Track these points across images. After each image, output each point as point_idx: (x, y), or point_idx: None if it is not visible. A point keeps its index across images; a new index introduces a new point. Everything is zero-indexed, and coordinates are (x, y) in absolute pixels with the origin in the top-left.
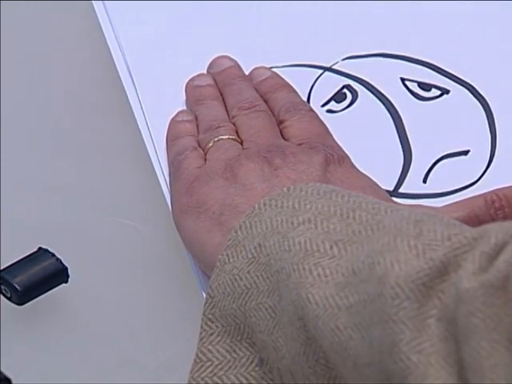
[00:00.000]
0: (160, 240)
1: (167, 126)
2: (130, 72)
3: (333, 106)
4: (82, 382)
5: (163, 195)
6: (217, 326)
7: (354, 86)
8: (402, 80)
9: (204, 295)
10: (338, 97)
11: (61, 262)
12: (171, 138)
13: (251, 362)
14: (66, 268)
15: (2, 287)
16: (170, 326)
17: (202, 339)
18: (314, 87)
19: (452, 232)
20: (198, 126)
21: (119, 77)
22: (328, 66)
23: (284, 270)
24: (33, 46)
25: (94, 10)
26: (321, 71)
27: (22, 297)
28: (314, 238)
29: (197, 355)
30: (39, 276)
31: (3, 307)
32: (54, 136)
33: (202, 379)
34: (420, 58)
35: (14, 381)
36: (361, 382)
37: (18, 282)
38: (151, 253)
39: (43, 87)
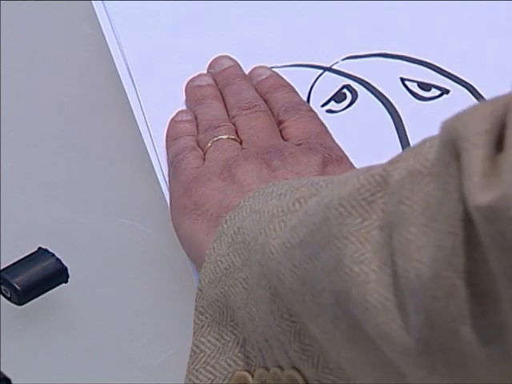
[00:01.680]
0: (160, 240)
1: (167, 126)
2: (129, 72)
3: (333, 106)
4: (82, 382)
5: (163, 195)
6: (206, 318)
7: (354, 86)
8: (402, 80)
9: None
10: (338, 97)
11: (61, 262)
12: (171, 138)
13: (237, 344)
14: (66, 268)
15: (2, 287)
16: (170, 326)
17: (195, 333)
18: (314, 87)
19: None
20: (197, 126)
21: (119, 77)
22: (328, 66)
23: (253, 238)
24: (33, 47)
25: (93, 10)
26: (321, 71)
27: (21, 297)
28: (281, 204)
29: (191, 349)
30: (39, 276)
31: (3, 307)
32: (54, 136)
33: (197, 370)
34: (420, 58)
35: (13, 381)
36: (319, 314)
37: (17, 282)
38: (151, 252)
39: (43, 87)
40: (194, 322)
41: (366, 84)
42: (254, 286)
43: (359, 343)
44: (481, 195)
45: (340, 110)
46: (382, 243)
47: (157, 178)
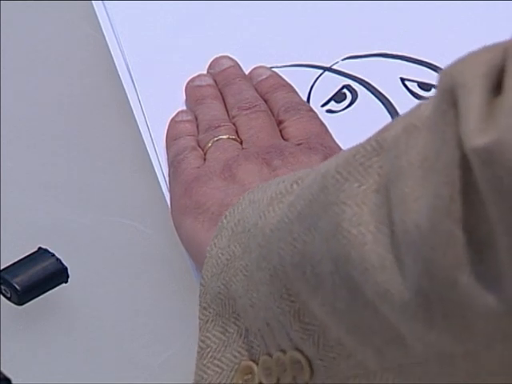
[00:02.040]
0: (160, 240)
1: (167, 126)
2: (129, 72)
3: (333, 106)
4: (82, 382)
5: (163, 195)
6: (210, 312)
7: (354, 86)
8: (402, 80)
9: None
10: (338, 97)
11: (61, 262)
12: (171, 138)
13: (240, 335)
14: (66, 268)
15: (2, 287)
16: (170, 326)
17: (200, 329)
18: (314, 87)
19: None
20: (197, 126)
21: (119, 77)
22: (328, 65)
23: (253, 225)
24: (33, 47)
25: (94, 10)
26: (321, 71)
27: (21, 297)
28: (279, 188)
29: (198, 345)
30: (39, 276)
31: (3, 307)
32: (54, 136)
33: (205, 365)
34: (420, 58)
35: (13, 381)
36: (318, 286)
37: (17, 282)
38: (151, 252)
39: (43, 87)
40: (199, 318)
41: (365, 84)
42: (254, 271)
43: (359, 309)
44: (478, 138)
45: (340, 110)
46: (379, 204)
47: (157, 178)
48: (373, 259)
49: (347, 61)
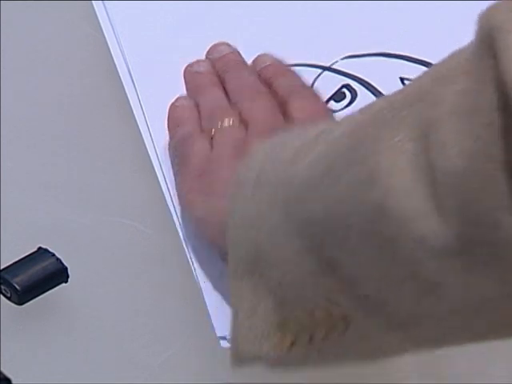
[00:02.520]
0: (160, 240)
1: (167, 112)
2: (129, 72)
3: (332, 105)
4: (82, 382)
5: (163, 195)
6: (239, 274)
7: (354, 86)
8: (402, 80)
9: (203, 293)
10: (338, 96)
11: (61, 261)
12: (174, 123)
13: (270, 293)
14: (66, 268)
15: (2, 287)
16: (170, 326)
17: (231, 295)
18: (314, 87)
19: None
20: (199, 113)
21: (119, 77)
22: (327, 65)
23: (277, 180)
24: (33, 47)
25: (94, 10)
26: (320, 70)
27: (21, 297)
28: (303, 140)
29: (231, 311)
30: (39, 276)
31: (3, 307)
32: (54, 136)
33: (239, 328)
34: (420, 58)
35: (13, 381)
36: (348, 237)
37: (17, 281)
38: (151, 252)
39: (43, 87)
40: (230, 283)
41: (365, 83)
42: (281, 227)
43: (391, 260)
44: None
45: (339, 110)
46: (416, 153)
47: (157, 178)
48: (410, 207)
49: (346, 60)
